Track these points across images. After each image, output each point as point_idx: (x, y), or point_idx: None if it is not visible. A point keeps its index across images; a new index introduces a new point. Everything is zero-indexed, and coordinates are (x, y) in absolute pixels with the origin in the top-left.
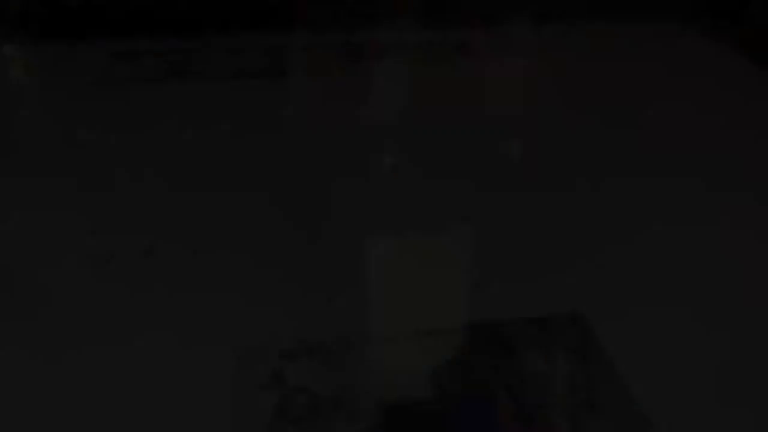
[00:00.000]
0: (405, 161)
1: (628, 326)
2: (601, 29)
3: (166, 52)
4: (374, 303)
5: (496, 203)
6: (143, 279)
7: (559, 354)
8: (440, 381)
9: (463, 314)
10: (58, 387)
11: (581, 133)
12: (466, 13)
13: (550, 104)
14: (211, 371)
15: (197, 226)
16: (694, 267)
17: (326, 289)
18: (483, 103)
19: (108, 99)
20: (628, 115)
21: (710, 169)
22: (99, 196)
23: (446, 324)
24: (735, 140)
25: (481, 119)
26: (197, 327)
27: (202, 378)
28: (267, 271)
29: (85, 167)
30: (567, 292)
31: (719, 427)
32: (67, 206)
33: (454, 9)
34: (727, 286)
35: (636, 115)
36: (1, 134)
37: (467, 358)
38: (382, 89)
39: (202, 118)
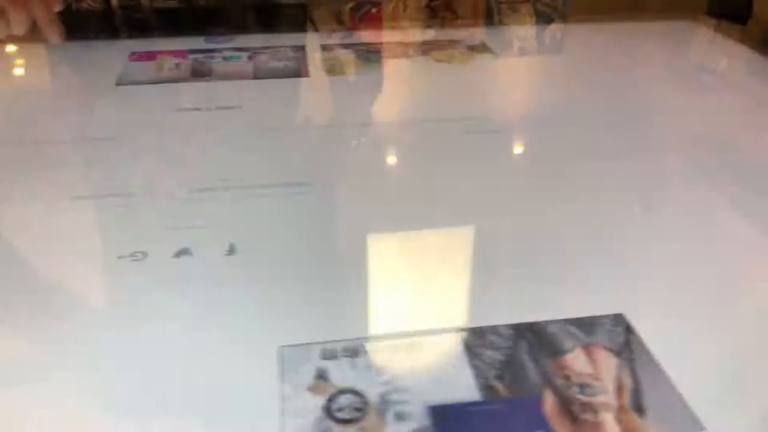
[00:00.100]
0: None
1: (672, 327)
2: (613, 26)
3: (189, 52)
4: (418, 302)
5: (531, 202)
6: (181, 277)
7: (604, 355)
8: (486, 380)
9: (505, 313)
10: (105, 385)
11: (606, 130)
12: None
13: (577, 100)
14: (254, 371)
15: (234, 224)
16: (741, 267)
17: (365, 288)
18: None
19: (133, 99)
20: (652, 110)
21: (745, 171)
22: (131, 202)
23: (489, 323)
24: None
25: (510, 117)
26: (239, 325)
27: (246, 377)
28: (308, 271)
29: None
30: (608, 293)
31: None
32: (94, 211)
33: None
34: None
35: (660, 111)
36: (37, 134)
37: (512, 358)
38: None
39: (227, 119)
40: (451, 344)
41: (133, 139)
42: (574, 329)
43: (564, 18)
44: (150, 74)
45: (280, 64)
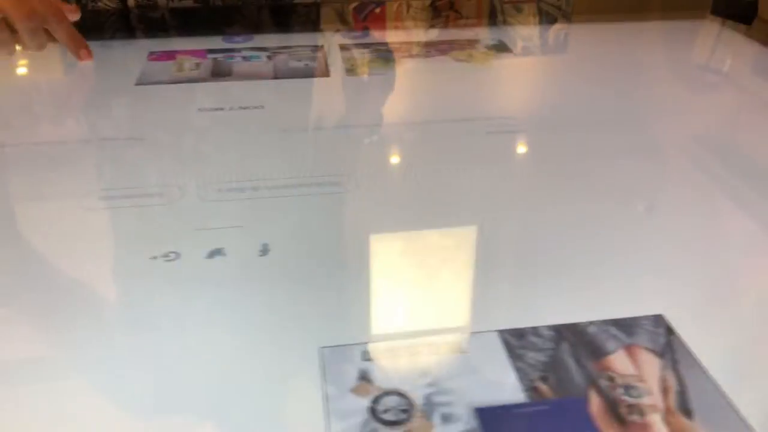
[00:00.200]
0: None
1: (713, 329)
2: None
3: (208, 52)
4: (456, 302)
5: (562, 202)
6: (215, 277)
7: (646, 356)
8: (531, 382)
9: (546, 315)
10: (142, 387)
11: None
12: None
13: (601, 99)
14: (295, 372)
15: (266, 224)
16: None
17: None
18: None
19: (155, 99)
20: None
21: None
22: (159, 202)
23: (529, 324)
24: None
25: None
26: (277, 326)
27: (288, 379)
28: (343, 271)
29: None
30: (648, 294)
31: None
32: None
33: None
34: None
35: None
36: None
37: (555, 359)
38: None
39: (251, 119)
40: (493, 345)
41: (158, 139)
42: (614, 330)
43: (568, 18)
44: (170, 74)
45: (300, 64)
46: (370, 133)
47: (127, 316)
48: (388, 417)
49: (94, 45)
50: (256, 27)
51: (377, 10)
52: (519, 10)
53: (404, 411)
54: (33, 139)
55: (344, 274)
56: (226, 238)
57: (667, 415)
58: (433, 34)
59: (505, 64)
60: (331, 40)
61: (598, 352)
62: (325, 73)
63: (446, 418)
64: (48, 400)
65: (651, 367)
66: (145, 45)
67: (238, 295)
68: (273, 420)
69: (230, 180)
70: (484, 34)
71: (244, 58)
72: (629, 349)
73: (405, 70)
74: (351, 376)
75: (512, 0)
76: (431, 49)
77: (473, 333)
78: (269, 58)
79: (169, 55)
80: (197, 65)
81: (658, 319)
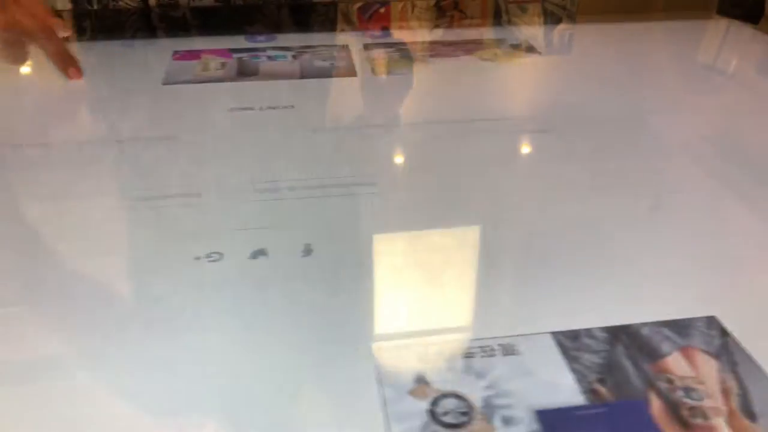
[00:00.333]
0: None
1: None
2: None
3: (233, 51)
4: (508, 303)
5: (617, 205)
6: (260, 278)
7: (703, 358)
8: (589, 384)
9: (594, 316)
10: (194, 386)
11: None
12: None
13: (626, 96)
14: (350, 373)
15: (307, 224)
16: None
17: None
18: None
19: (183, 98)
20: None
21: None
22: (199, 202)
23: (581, 325)
24: None
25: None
26: (326, 327)
27: (343, 380)
28: (387, 271)
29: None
30: (699, 295)
31: None
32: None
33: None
34: None
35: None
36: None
37: (611, 361)
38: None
39: (282, 118)
40: (546, 347)
41: (191, 139)
42: (667, 332)
43: (572, 18)
44: (195, 74)
45: (326, 64)
46: (403, 132)
47: (176, 317)
48: (448, 419)
49: (115, 44)
50: (276, 26)
51: (382, 10)
52: (524, 10)
53: (464, 413)
54: (61, 137)
55: (389, 274)
56: (268, 238)
57: (731, 418)
58: (462, 35)
59: (530, 63)
60: (354, 40)
61: (654, 354)
62: (352, 73)
63: (507, 421)
64: (121, 399)
65: (709, 369)
66: (167, 44)
67: (286, 295)
68: (332, 422)
69: (266, 180)
70: (502, 34)
71: (270, 57)
72: (685, 351)
73: (434, 70)
74: (408, 378)
75: (517, 0)
76: (456, 48)
77: (525, 335)
78: (294, 57)
79: (194, 55)
80: (222, 65)
81: (711, 321)
